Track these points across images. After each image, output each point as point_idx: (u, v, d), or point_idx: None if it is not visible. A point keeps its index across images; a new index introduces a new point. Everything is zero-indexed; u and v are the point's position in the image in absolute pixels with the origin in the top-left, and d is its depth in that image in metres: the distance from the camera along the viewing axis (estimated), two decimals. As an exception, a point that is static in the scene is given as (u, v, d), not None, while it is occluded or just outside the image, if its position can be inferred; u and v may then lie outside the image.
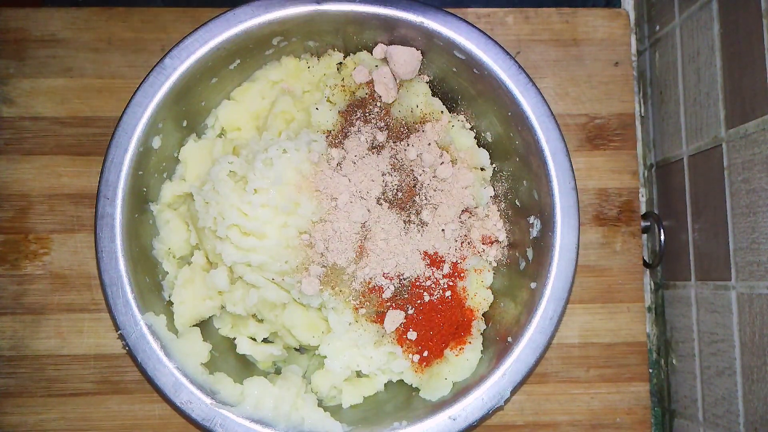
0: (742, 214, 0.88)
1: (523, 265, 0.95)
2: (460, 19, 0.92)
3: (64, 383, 0.99)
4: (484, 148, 1.00)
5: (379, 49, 0.97)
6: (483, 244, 0.97)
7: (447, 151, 0.96)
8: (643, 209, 1.14)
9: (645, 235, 1.11)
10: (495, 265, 0.99)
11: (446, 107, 1.00)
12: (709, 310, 0.96)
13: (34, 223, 1.01)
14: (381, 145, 0.94)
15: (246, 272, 0.90)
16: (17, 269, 1.00)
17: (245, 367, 0.99)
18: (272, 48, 0.97)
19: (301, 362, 1.01)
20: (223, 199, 0.88)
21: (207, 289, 0.94)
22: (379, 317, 0.92)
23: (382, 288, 0.90)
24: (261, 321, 0.96)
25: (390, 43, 0.96)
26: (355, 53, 0.99)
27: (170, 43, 0.91)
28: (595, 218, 1.05)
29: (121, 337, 0.88)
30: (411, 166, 0.94)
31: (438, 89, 1.00)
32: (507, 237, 0.99)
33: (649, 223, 1.08)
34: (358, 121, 0.94)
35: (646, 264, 1.09)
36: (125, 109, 0.89)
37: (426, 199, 0.94)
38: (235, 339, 0.98)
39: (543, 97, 0.91)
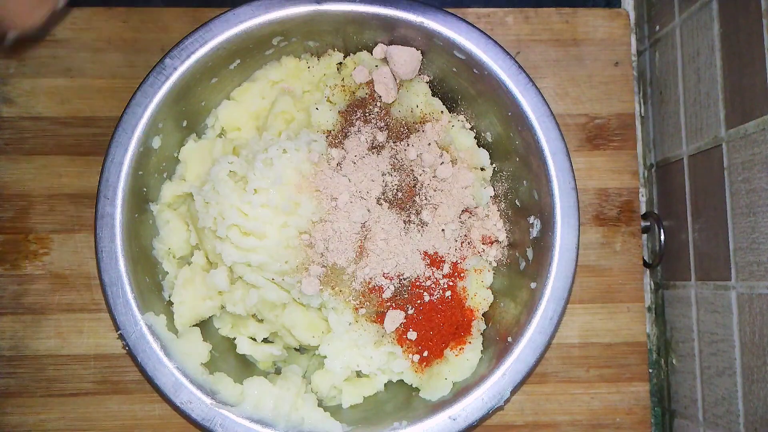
0: (742, 214, 0.88)
1: (523, 265, 0.95)
2: (460, 19, 0.92)
3: (64, 383, 0.99)
4: (484, 148, 1.00)
5: (379, 49, 0.97)
6: (483, 244, 0.97)
7: (447, 151, 0.96)
8: (643, 209, 1.14)
9: (645, 235, 1.11)
10: (495, 265, 0.99)
11: (446, 107, 1.00)
12: (709, 310, 0.96)
13: (34, 223, 1.01)
14: (381, 145, 0.94)
15: (246, 272, 0.90)
16: (17, 269, 1.00)
17: (245, 367, 0.99)
18: (272, 48, 0.97)
19: (301, 362, 1.01)
20: (223, 199, 0.88)
21: (207, 289, 0.94)
22: (379, 317, 0.92)
23: (382, 288, 0.91)
24: (261, 321, 0.96)
25: (390, 43, 0.96)
26: (355, 53, 0.99)
27: (170, 43, 0.91)
28: (595, 218, 1.05)
29: (121, 337, 0.88)
30: (411, 166, 0.94)
31: (438, 89, 1.00)
32: (507, 237, 0.99)
33: (649, 223, 1.08)
34: (358, 121, 0.94)
35: (646, 264, 1.09)
36: (125, 109, 0.89)
37: (426, 199, 0.94)
38: (235, 339, 0.98)
39: (543, 97, 0.91)
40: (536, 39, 1.07)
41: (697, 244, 0.99)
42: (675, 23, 1.05)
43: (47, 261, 1.00)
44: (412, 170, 0.94)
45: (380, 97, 0.95)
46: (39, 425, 0.98)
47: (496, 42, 0.92)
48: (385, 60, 0.97)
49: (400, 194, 0.93)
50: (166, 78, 0.89)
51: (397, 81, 0.97)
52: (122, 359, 0.99)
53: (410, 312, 0.92)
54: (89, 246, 1.00)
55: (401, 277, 0.92)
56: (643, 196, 1.15)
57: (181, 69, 0.90)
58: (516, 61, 0.92)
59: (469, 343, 0.94)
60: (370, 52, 0.98)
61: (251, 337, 0.97)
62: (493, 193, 1.00)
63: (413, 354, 0.93)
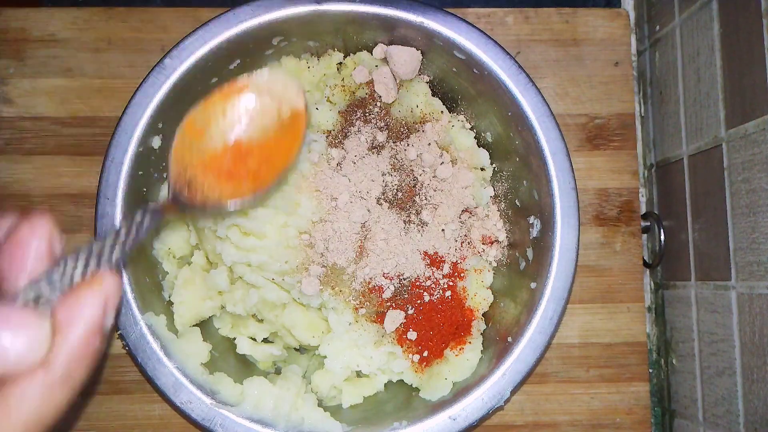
0: (742, 214, 0.88)
1: (523, 265, 0.95)
2: (460, 19, 0.92)
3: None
4: (484, 148, 1.00)
5: (379, 49, 0.97)
6: (483, 244, 0.97)
7: (447, 151, 0.96)
8: (643, 209, 1.14)
9: (645, 235, 1.11)
10: (495, 265, 0.99)
11: (446, 107, 1.00)
12: (709, 310, 0.96)
13: (34, 223, 1.01)
14: (381, 145, 0.94)
15: (246, 272, 0.90)
16: (17, 269, 1.00)
17: (245, 367, 0.99)
18: (272, 48, 0.97)
19: (301, 362, 1.01)
20: (223, 199, 0.88)
21: (207, 289, 0.94)
22: (379, 317, 0.92)
23: (382, 288, 0.91)
24: (261, 321, 0.96)
25: (390, 43, 0.96)
26: (355, 53, 0.99)
27: (170, 43, 0.91)
28: (595, 218, 1.05)
29: (121, 337, 0.88)
30: (411, 166, 0.94)
31: (438, 89, 1.00)
32: (507, 237, 0.99)
33: (649, 223, 1.08)
34: (358, 121, 0.94)
35: (646, 264, 1.09)
36: (125, 109, 0.89)
37: (426, 199, 0.94)
38: (235, 339, 0.97)
39: (543, 97, 0.91)
40: (536, 39, 1.07)
41: (697, 244, 0.99)
42: (675, 23, 1.05)
43: (47, 261, 1.00)
44: (412, 170, 0.94)
45: (380, 97, 0.95)
46: (39, 425, 0.98)
47: (496, 42, 0.92)
48: (385, 60, 0.97)
49: (400, 194, 0.93)
50: (166, 78, 0.89)
51: (397, 81, 0.97)
52: (122, 359, 0.99)
53: (410, 312, 0.92)
54: (89, 246, 1.00)
55: (401, 277, 0.92)
56: (643, 196, 1.15)
57: (181, 69, 0.90)
58: (516, 61, 0.92)
59: (469, 343, 0.94)
60: (370, 52, 0.98)
61: (251, 337, 0.97)
62: (493, 193, 1.00)
63: (413, 354, 0.93)
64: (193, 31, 0.90)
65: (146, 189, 0.94)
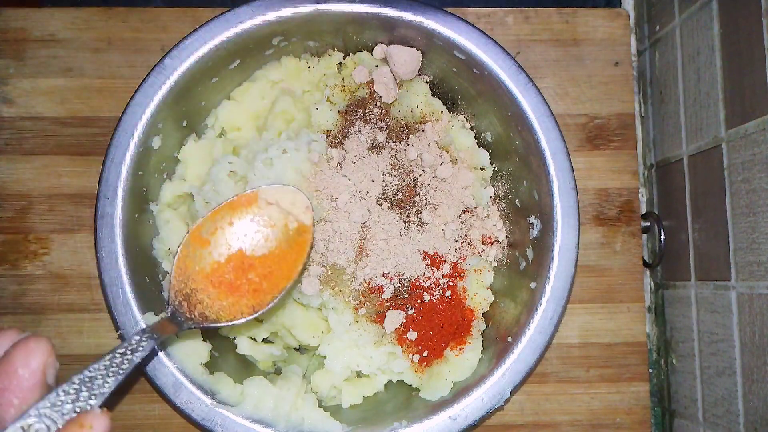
0: (742, 214, 0.88)
1: (523, 265, 0.95)
2: (460, 19, 0.92)
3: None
4: (484, 148, 1.00)
5: (379, 49, 0.97)
6: (483, 244, 0.97)
7: (447, 151, 0.96)
8: (643, 209, 1.14)
9: (645, 235, 1.11)
10: (495, 265, 0.99)
11: (446, 107, 1.00)
12: (709, 310, 0.96)
13: (34, 223, 1.01)
14: (381, 145, 0.94)
15: (246, 272, 0.90)
16: (17, 269, 1.00)
17: (245, 367, 0.99)
18: (272, 48, 0.97)
19: (301, 362, 1.01)
20: (223, 199, 0.88)
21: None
22: (379, 317, 0.92)
23: (382, 288, 0.91)
24: (261, 321, 0.96)
25: (390, 43, 0.96)
26: (355, 53, 0.99)
27: (170, 43, 0.91)
28: (595, 218, 1.05)
29: (121, 337, 0.88)
30: (411, 166, 0.94)
31: (438, 89, 1.00)
32: (507, 237, 0.99)
33: (649, 223, 1.08)
34: (358, 121, 0.94)
35: (646, 264, 1.09)
36: (125, 109, 0.89)
37: (426, 199, 0.94)
38: (235, 339, 0.97)
39: (543, 97, 0.91)
40: (536, 39, 1.07)
41: (697, 244, 0.99)
42: (675, 23, 1.05)
43: (47, 261, 1.00)
44: (412, 170, 0.94)
45: (380, 97, 0.95)
46: (39, 425, 0.98)
47: (496, 42, 0.92)
48: (385, 60, 0.97)
49: (400, 194, 0.93)
50: (166, 78, 0.89)
51: (397, 81, 0.97)
52: (122, 359, 0.99)
53: (410, 312, 0.92)
54: (89, 246, 1.00)
55: (401, 277, 0.92)
56: (643, 196, 1.15)
57: (181, 69, 0.90)
58: (516, 61, 0.92)
59: (469, 343, 0.94)
60: (370, 52, 0.98)
61: (251, 337, 0.97)
62: (493, 193, 1.00)
63: (413, 354, 0.93)
64: (193, 31, 0.90)
65: (146, 189, 0.94)
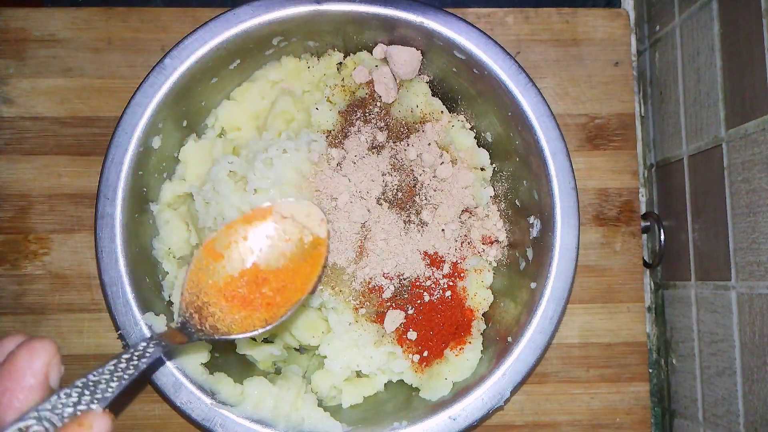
0: (742, 214, 0.88)
1: (523, 265, 0.95)
2: (460, 19, 0.92)
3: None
4: (484, 148, 1.00)
5: (379, 49, 0.97)
6: (483, 244, 0.97)
7: (447, 151, 0.96)
8: (643, 209, 1.14)
9: (645, 235, 1.11)
10: (495, 265, 0.99)
11: (446, 107, 1.00)
12: (709, 310, 0.96)
13: (34, 223, 1.01)
14: (381, 145, 0.94)
15: (246, 272, 0.90)
16: (17, 269, 1.00)
17: (245, 367, 0.99)
18: (272, 48, 0.97)
19: (301, 362, 1.01)
20: (223, 199, 0.88)
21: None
22: (379, 317, 0.92)
23: (382, 288, 0.91)
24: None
25: (390, 43, 0.96)
26: (355, 53, 0.99)
27: (170, 43, 0.91)
28: (595, 218, 1.05)
29: (121, 337, 0.88)
30: (411, 166, 0.94)
31: (438, 89, 1.00)
32: (507, 237, 0.99)
33: (649, 223, 1.08)
34: (358, 121, 0.94)
35: (646, 264, 1.09)
36: (125, 109, 0.89)
37: (426, 199, 0.94)
38: (235, 339, 0.97)
39: (543, 97, 0.91)
40: (536, 39, 1.07)
41: (697, 244, 0.99)
42: (675, 23, 1.05)
43: (47, 261, 1.00)
44: (412, 170, 0.94)
45: (380, 97, 0.95)
46: (39, 425, 0.98)
47: (496, 42, 0.92)
48: (385, 60, 0.97)
49: (400, 194, 0.93)
50: (166, 78, 0.89)
51: (397, 81, 0.97)
52: (122, 359, 0.99)
53: (410, 312, 0.92)
54: (89, 246, 1.00)
55: (401, 277, 0.92)
56: (643, 196, 1.15)
57: (181, 69, 0.90)
58: (516, 61, 0.92)
59: (469, 343, 0.94)
60: (370, 52, 0.98)
61: (251, 337, 0.97)
62: (493, 193, 1.00)
63: (413, 354, 0.93)
64: (193, 31, 0.90)
65: (146, 189, 0.94)
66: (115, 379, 0.58)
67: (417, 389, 0.95)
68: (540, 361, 0.94)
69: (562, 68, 1.06)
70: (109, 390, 0.56)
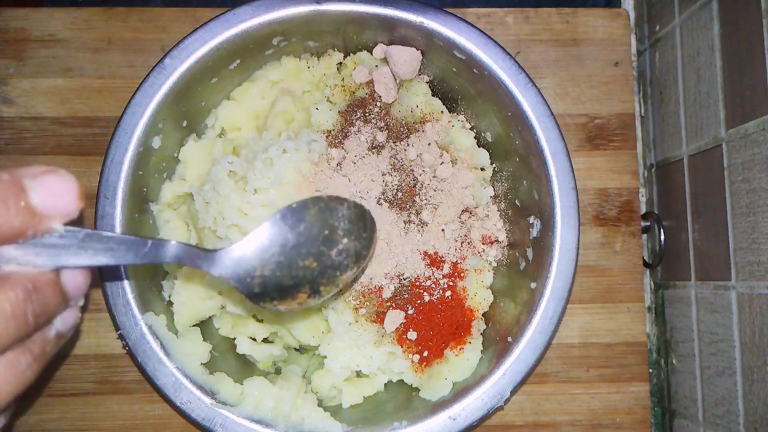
0: (742, 214, 0.88)
1: (523, 265, 0.95)
2: (460, 19, 0.92)
3: (64, 383, 0.99)
4: (484, 148, 1.00)
5: (379, 49, 0.97)
6: (483, 244, 0.97)
7: (447, 151, 0.96)
8: (643, 209, 1.14)
9: (645, 235, 1.11)
10: (495, 265, 0.99)
11: (446, 107, 1.00)
12: (709, 310, 0.96)
13: (34, 223, 1.01)
14: (381, 145, 0.94)
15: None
16: (17, 269, 1.00)
17: (245, 367, 0.99)
18: (272, 48, 0.97)
19: (301, 362, 1.01)
20: (223, 199, 0.88)
21: (207, 289, 0.94)
22: (379, 317, 0.92)
23: (382, 288, 0.91)
24: (261, 321, 0.96)
25: (390, 43, 0.96)
26: (355, 53, 0.99)
27: (170, 43, 0.91)
28: (595, 218, 1.05)
29: (121, 337, 0.88)
30: (411, 166, 0.94)
31: (438, 89, 1.00)
32: (507, 237, 0.99)
33: (649, 223, 1.08)
34: (358, 121, 0.94)
35: (646, 264, 1.09)
36: (125, 109, 0.89)
37: (426, 199, 0.94)
38: (235, 339, 0.97)
39: (543, 97, 0.91)
40: (536, 39, 1.07)
41: (697, 244, 0.99)
42: (675, 23, 1.05)
43: (47, 261, 1.00)
44: (412, 170, 0.94)
45: (380, 97, 0.95)
46: (39, 425, 0.98)
47: (496, 42, 0.92)
48: (385, 60, 0.97)
49: (400, 194, 0.93)
50: (166, 78, 0.89)
51: (397, 81, 0.97)
52: (122, 359, 0.99)
53: (410, 312, 0.92)
54: (89, 246, 1.00)
55: (401, 277, 0.92)
56: (643, 196, 1.15)
57: (181, 69, 0.90)
58: (516, 61, 0.92)
59: (469, 343, 0.94)
60: (370, 52, 0.98)
61: (251, 337, 0.97)
62: (493, 193, 1.00)
63: (413, 354, 0.93)
64: (193, 31, 0.90)
65: (146, 189, 0.94)
66: (107, 250, 0.60)
67: (417, 389, 0.95)
68: (540, 361, 0.94)
69: (562, 68, 1.06)
70: (88, 254, 0.59)
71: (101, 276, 0.88)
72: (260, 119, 1.00)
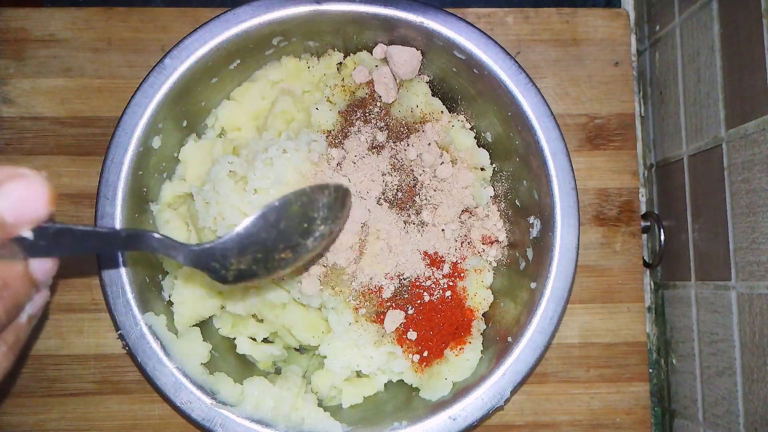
0: (742, 214, 0.88)
1: (523, 265, 0.95)
2: (460, 19, 0.92)
3: (64, 383, 0.99)
4: (484, 148, 1.00)
5: (379, 49, 0.97)
6: (483, 244, 0.97)
7: (447, 151, 0.96)
8: (643, 209, 1.14)
9: (645, 235, 1.11)
10: (495, 265, 0.99)
11: (446, 107, 1.00)
12: (709, 310, 0.96)
13: (34, 223, 1.01)
14: (381, 145, 0.94)
15: (246, 272, 0.90)
16: (17, 269, 1.00)
17: (245, 367, 0.99)
18: (272, 48, 0.97)
19: (301, 362, 1.01)
20: (223, 199, 0.88)
21: (207, 289, 0.94)
22: (379, 317, 0.92)
23: (382, 288, 0.91)
24: (261, 321, 0.96)
25: (390, 43, 0.96)
26: (355, 53, 0.99)
27: (170, 43, 0.91)
28: (595, 218, 1.05)
29: (121, 337, 0.88)
30: (411, 166, 0.94)
31: (438, 89, 1.00)
32: (507, 237, 0.99)
33: (649, 223, 1.08)
34: (358, 121, 0.94)
35: (646, 264, 1.09)
36: (125, 109, 0.89)
37: (426, 199, 0.94)
38: (235, 339, 0.98)
39: (543, 97, 0.91)
40: (536, 39, 1.07)
41: (697, 244, 0.99)
42: (675, 23, 1.05)
43: (47, 261, 1.00)
44: (412, 170, 0.94)
45: (380, 97, 0.95)
46: (39, 425, 0.98)
47: (496, 42, 0.92)
48: (385, 60, 0.97)
49: (400, 194, 0.93)
50: (166, 78, 0.89)
51: (397, 81, 0.97)
52: (122, 359, 0.99)
53: (410, 312, 0.92)
54: (89, 246, 1.00)
55: (401, 277, 0.92)
56: (643, 196, 1.15)
57: (181, 69, 0.90)
58: (516, 61, 0.92)
59: (469, 343, 0.94)
60: (370, 52, 0.98)
61: (251, 337, 0.97)
62: (493, 193, 1.00)
63: (413, 354, 0.93)
64: (193, 31, 0.90)
65: (146, 189, 0.94)
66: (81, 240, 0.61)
67: (417, 389, 0.95)
68: (540, 361, 0.94)
69: (562, 68, 1.06)
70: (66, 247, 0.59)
71: (99, 266, 0.88)
72: (260, 119, 1.00)
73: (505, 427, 1.02)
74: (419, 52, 0.96)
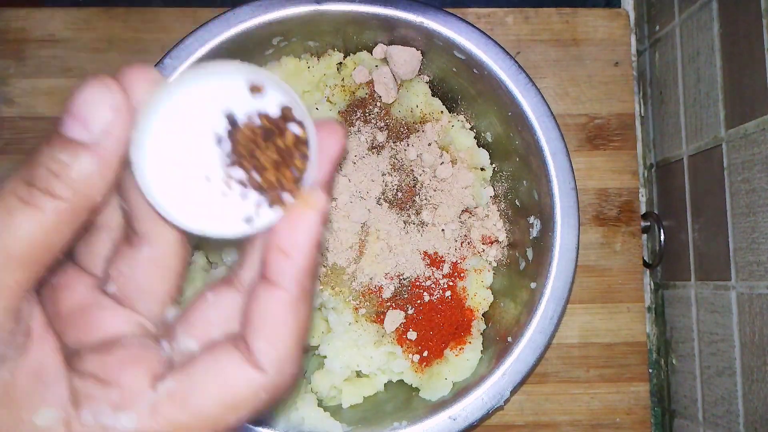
0: (742, 214, 0.88)
1: (523, 265, 0.95)
2: (460, 19, 0.92)
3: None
4: (484, 148, 1.00)
5: (379, 49, 0.97)
6: (483, 244, 0.97)
7: (447, 151, 0.96)
8: (643, 209, 1.14)
9: (645, 235, 1.11)
10: (495, 265, 0.99)
11: (446, 107, 1.00)
12: (709, 310, 0.96)
13: (34, 223, 1.01)
14: (381, 145, 0.94)
15: (246, 272, 0.90)
16: (17, 269, 1.00)
17: (245, 367, 0.98)
18: (272, 48, 0.97)
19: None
20: (223, 199, 0.88)
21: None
22: (379, 317, 0.92)
23: (382, 288, 0.91)
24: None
25: (390, 43, 0.96)
26: (355, 53, 0.99)
27: (170, 43, 0.91)
28: (595, 218, 1.05)
29: (121, 337, 0.87)
30: (411, 166, 0.94)
31: (438, 89, 1.00)
32: (507, 237, 0.99)
33: (649, 223, 1.08)
34: (358, 121, 0.94)
35: (646, 264, 1.09)
36: (125, 109, 0.89)
37: (426, 199, 0.94)
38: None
39: (543, 97, 0.91)
40: (536, 39, 1.07)
41: (697, 244, 0.99)
42: (675, 23, 1.05)
43: (47, 261, 1.00)
44: (412, 170, 0.94)
45: (380, 97, 0.95)
46: None
47: (496, 42, 0.92)
48: (385, 60, 0.97)
49: (400, 194, 0.93)
50: (166, 78, 0.89)
51: (397, 81, 0.97)
52: (122, 359, 0.99)
53: (410, 312, 0.92)
54: (89, 246, 1.00)
55: (401, 277, 0.92)
56: (643, 196, 1.15)
57: (181, 69, 0.90)
58: (516, 61, 0.92)
59: (469, 343, 0.94)
60: (370, 52, 0.98)
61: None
62: (493, 193, 1.00)
63: (413, 354, 0.93)
64: (193, 31, 0.90)
65: (146, 189, 0.94)
66: None
67: (417, 389, 0.95)
68: (540, 361, 0.94)
69: (562, 68, 1.06)
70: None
71: None
72: (260, 119, 1.00)
73: (505, 427, 1.02)
74: (419, 52, 0.96)
